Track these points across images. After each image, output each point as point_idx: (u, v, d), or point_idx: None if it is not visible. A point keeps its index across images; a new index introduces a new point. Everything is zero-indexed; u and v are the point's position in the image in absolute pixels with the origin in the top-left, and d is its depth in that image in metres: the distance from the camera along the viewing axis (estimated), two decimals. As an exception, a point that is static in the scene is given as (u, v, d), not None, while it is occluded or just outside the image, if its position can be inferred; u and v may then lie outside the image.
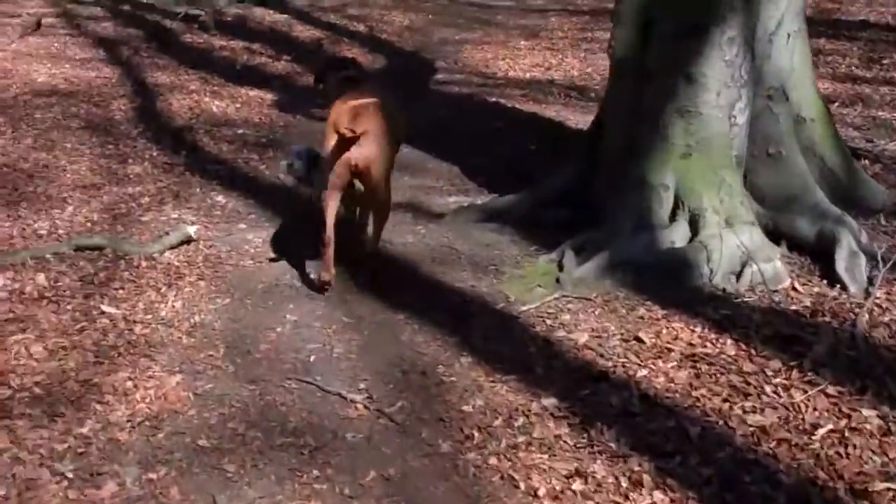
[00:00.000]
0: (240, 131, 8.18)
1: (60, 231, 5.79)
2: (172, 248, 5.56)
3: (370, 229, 5.37)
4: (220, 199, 6.50)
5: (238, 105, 9.03)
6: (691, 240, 5.04)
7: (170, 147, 7.56)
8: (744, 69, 5.13)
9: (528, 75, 10.58)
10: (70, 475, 3.50)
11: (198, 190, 6.67)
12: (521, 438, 3.67)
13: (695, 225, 5.05)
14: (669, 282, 4.84)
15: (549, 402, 3.90)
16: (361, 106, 4.80)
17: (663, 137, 5.15)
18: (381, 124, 4.82)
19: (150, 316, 4.75)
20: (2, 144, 7.35)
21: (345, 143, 4.68)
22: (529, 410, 3.86)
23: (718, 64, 5.07)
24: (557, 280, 4.98)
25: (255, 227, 6.00)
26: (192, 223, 5.84)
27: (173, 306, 4.86)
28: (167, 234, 5.62)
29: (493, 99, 9.34)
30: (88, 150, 7.39)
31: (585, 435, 3.65)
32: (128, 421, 3.87)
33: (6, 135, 7.60)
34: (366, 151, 4.73)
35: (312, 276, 5.18)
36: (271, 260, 5.46)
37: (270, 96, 9.40)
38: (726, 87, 5.09)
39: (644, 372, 4.04)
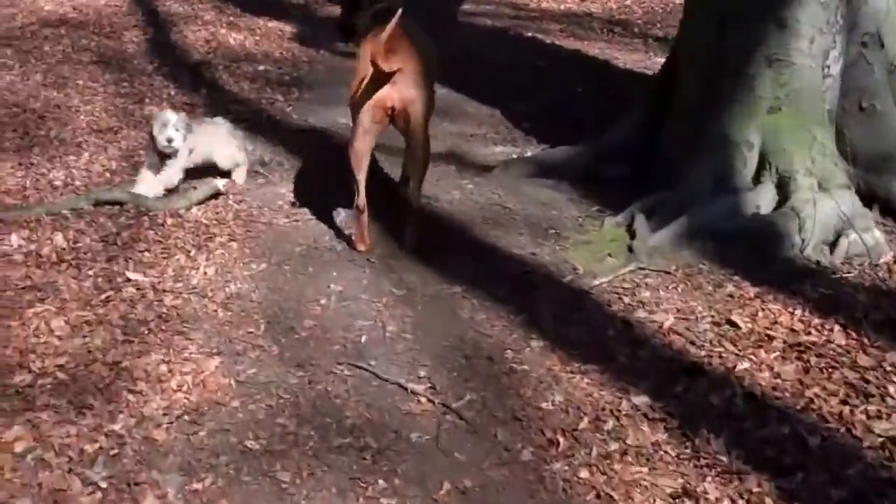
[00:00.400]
0: (261, 67, 7.63)
1: (77, 182, 5.29)
2: (199, 203, 5.07)
3: (411, 182, 4.86)
4: (246, 145, 5.95)
5: (257, 38, 8.44)
6: (779, 205, 4.54)
7: (188, 85, 7.02)
8: (839, 13, 4.59)
9: (562, 7, 9.98)
10: (104, 484, 3.08)
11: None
12: (613, 446, 3.23)
13: (783, 188, 4.55)
14: (756, 253, 4.37)
15: (641, 399, 3.45)
16: (397, 39, 4.14)
17: (749, 89, 4.63)
18: (420, 60, 4.26)
19: (180, 284, 4.29)
20: (10, 81, 6.81)
21: (379, 82, 4.15)
22: (619, 410, 3.41)
23: (813, 6, 4.54)
24: (630, 249, 4.50)
25: (286, 180, 5.51)
26: (221, 176, 5.33)
27: (205, 273, 4.39)
28: (194, 188, 5.11)
29: (529, 33, 8.75)
30: (102, 89, 6.84)
31: (688, 444, 3.21)
32: (164, 414, 3.43)
33: (14, 70, 7.06)
34: (405, 91, 4.22)
35: (352, 236, 4.72)
36: (307, 218, 4.96)
37: (290, 28, 8.80)
38: (820, 32, 4.56)
39: (745, 364, 3.59)
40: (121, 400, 3.48)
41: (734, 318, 3.89)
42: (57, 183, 5.28)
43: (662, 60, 7.68)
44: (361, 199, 4.46)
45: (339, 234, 4.81)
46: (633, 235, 4.61)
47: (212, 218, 4.96)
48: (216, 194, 5.16)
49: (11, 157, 5.52)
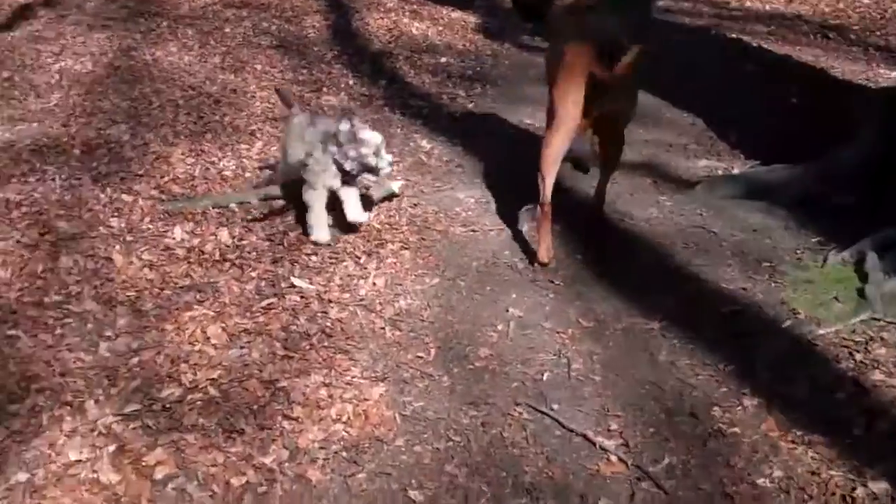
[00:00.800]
0: (443, 59, 7.24)
1: (247, 174, 5.00)
2: (373, 204, 4.67)
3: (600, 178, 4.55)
4: (425, 143, 5.59)
5: (440, 28, 8.07)
6: None
7: (368, 75, 6.70)
8: None
9: (768, 7, 9.16)
10: (250, 531, 2.68)
11: (398, 130, 5.79)
12: (849, 548, 2.61)
13: None
14: None
15: (880, 487, 2.84)
16: (610, 43, 3.82)
17: None
18: (635, 69, 3.86)
19: (347, 295, 3.91)
20: (188, 63, 6.66)
21: (593, 87, 3.86)
22: (853, 497, 2.78)
23: None
24: (861, 293, 3.83)
25: (466, 184, 5.07)
26: (395, 175, 4.93)
27: (374, 284, 4.00)
28: (368, 187, 4.73)
29: (733, 34, 8.02)
30: (280, 75, 6.61)
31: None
32: (321, 448, 3.05)
33: (193, 50, 6.91)
34: (616, 102, 4.01)
35: (534, 247, 4.29)
36: (487, 229, 4.51)
37: (474, 19, 8.40)
38: None
39: None
40: (275, 426, 3.12)
41: None
42: (227, 173, 5.02)
43: (886, 72, 6.93)
44: (547, 197, 4.13)
45: (522, 247, 4.34)
46: (864, 277, 3.94)
47: (384, 222, 4.58)
48: (391, 196, 4.77)
49: (183, 142, 5.30)
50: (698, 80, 6.68)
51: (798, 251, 4.32)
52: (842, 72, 6.89)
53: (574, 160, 4.97)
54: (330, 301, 3.85)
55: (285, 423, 3.13)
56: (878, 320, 3.65)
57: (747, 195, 4.85)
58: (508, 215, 4.64)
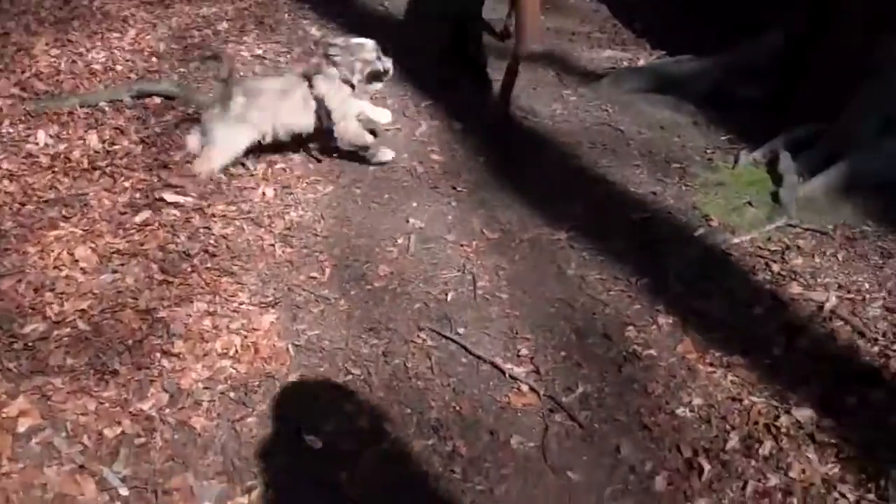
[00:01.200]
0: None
1: (118, 67, 4.52)
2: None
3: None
4: (314, 31, 5.16)
5: None
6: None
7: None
8: None
9: None
10: (124, 490, 2.45)
11: (286, 16, 5.34)
12: (773, 480, 2.50)
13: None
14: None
15: (804, 414, 2.72)
16: None
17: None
18: None
19: (233, 208, 3.55)
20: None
21: None
22: (777, 426, 2.68)
23: None
24: (775, 198, 3.68)
25: (361, 77, 4.66)
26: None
27: (263, 194, 3.66)
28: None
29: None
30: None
31: (871, 485, 2.46)
32: (205, 388, 2.78)
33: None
34: None
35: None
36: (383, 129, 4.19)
37: None
38: None
39: (936, 373, 2.80)
40: (153, 365, 2.82)
41: (915, 303, 3.08)
42: (96, 67, 4.53)
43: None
44: None
45: (421, 148, 4.03)
46: (777, 180, 3.79)
47: (274, 122, 4.18)
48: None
49: (48, 31, 4.76)
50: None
51: (708, 150, 4.13)
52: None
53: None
54: (213, 215, 3.51)
55: (165, 361, 2.83)
56: (794, 227, 3.51)
57: (655, 89, 4.63)
58: (410, 112, 4.31)
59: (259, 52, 4.84)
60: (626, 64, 4.95)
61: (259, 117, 3.70)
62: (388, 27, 5.13)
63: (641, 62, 4.96)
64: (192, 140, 3.81)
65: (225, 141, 3.70)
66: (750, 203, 3.67)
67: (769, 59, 4.45)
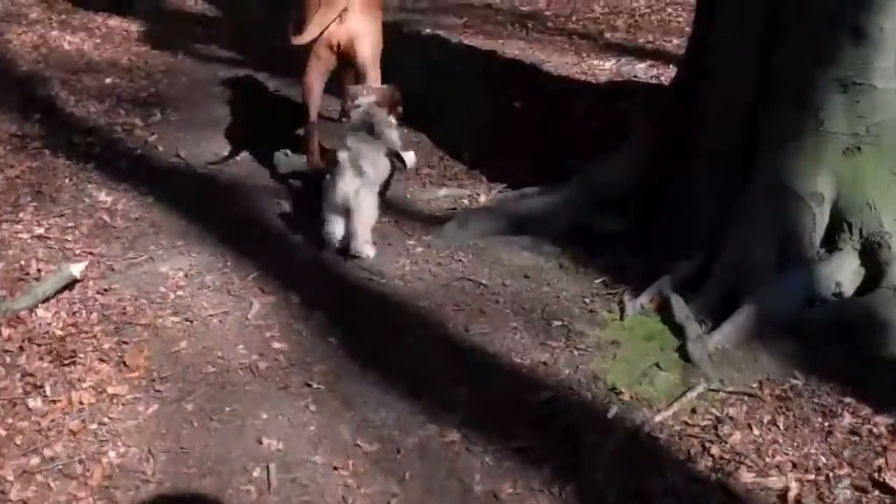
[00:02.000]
0: (108, 81, 5.96)
1: None
2: (47, 300, 3.45)
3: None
4: (103, 196, 4.42)
5: (97, 40, 6.74)
6: (868, 281, 3.32)
7: (17, 109, 5.27)
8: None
9: (451, -6, 8.56)
10: None
11: (67, 181, 4.56)
12: None
13: (871, 257, 3.38)
14: (858, 355, 3.13)
15: None
16: None
17: (814, 121, 3.39)
18: None
19: (35, 458, 2.68)
20: None
21: (326, 17, 4.15)
22: None
23: (901, 11, 3.30)
24: (683, 354, 3.19)
25: (167, 250, 3.98)
26: (73, 252, 3.72)
27: (70, 432, 2.81)
28: (36, 278, 3.49)
29: (427, 30, 7.31)
30: None
31: None
32: None
33: None
34: (351, 26, 4.23)
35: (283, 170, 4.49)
36: (208, 314, 3.46)
37: (136, 27, 7.11)
38: (912, 47, 3.34)
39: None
40: None
41: (885, 478, 2.61)
42: None
43: (599, 63, 6.50)
44: (312, 118, 4.41)
45: (260, 336, 3.31)
46: (677, 330, 3.33)
47: (69, 323, 3.41)
48: (72, 283, 3.55)
49: None
50: (407, 88, 5.82)
51: (586, 299, 3.64)
52: (556, 66, 6.39)
53: None
54: (6, 478, 2.62)
55: None
56: (716, 391, 3.01)
57: (507, 230, 4.13)
58: (235, 289, 3.59)
59: (40, 231, 4.02)
60: (466, 202, 4.44)
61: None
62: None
63: (483, 198, 4.44)
64: (338, 229, 3.87)
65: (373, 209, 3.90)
66: (658, 365, 3.18)
67: (627, 185, 4.04)
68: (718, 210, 3.66)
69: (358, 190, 3.79)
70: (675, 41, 6.95)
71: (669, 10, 7.84)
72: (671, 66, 6.23)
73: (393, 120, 4.22)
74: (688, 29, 7.21)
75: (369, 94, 4.19)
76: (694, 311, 3.41)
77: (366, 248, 3.84)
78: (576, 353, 3.29)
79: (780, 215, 3.48)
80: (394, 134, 4.16)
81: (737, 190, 3.62)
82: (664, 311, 3.46)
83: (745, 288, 3.39)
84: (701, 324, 3.34)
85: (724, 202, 3.65)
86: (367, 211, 3.83)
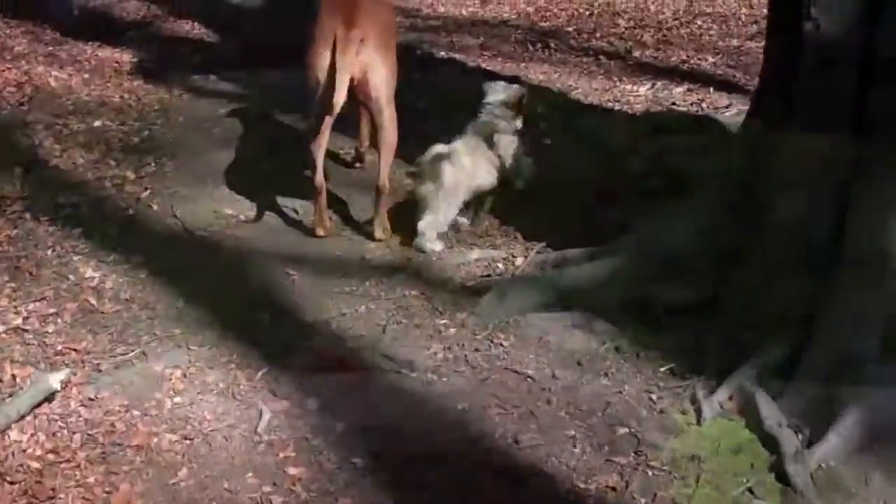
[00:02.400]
0: (97, 124, 5.46)
1: None
2: (22, 417, 2.93)
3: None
4: (90, 272, 3.90)
5: (86, 75, 6.24)
6: None
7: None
8: None
9: (465, 12, 8.10)
10: None
11: (49, 252, 4.04)
12: None
13: None
14: None
15: None
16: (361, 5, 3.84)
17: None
18: (384, 27, 3.99)
19: None
20: None
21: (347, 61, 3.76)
22: None
23: None
24: (780, 476, 2.67)
25: (162, 342, 3.43)
26: (54, 350, 3.21)
27: None
28: (11, 394, 2.98)
29: (442, 53, 6.81)
30: None
31: None
32: None
33: None
34: (366, 60, 3.84)
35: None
36: (210, 429, 2.96)
37: (128, 58, 6.58)
38: None
39: None
40: None
41: None
42: None
43: (632, 87, 5.98)
44: (319, 176, 4.03)
45: (276, 453, 2.80)
46: (766, 438, 2.77)
47: (47, 449, 2.87)
48: (50, 396, 3.04)
49: None
50: (424, 122, 5.27)
51: (652, 395, 3.11)
52: (584, 92, 5.86)
53: None
54: None
55: None
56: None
57: (551, 303, 3.58)
58: (241, 391, 3.08)
59: (17, 321, 3.50)
60: (501, 267, 3.92)
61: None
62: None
63: (520, 261, 3.92)
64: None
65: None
66: (751, 490, 2.63)
67: (694, 247, 3.51)
68: (806, 281, 3.11)
69: (434, 190, 3.89)
70: (711, 59, 6.45)
71: (699, 21, 7.35)
72: (711, 89, 5.73)
73: (519, 123, 4.21)
74: (721, 44, 6.76)
75: (501, 91, 4.19)
76: (785, 411, 2.86)
77: (428, 245, 3.94)
78: (650, 473, 2.76)
79: (881, 294, 2.93)
80: (510, 147, 4.18)
81: (827, 257, 3.07)
82: (749, 412, 2.91)
83: (846, 384, 2.83)
84: (797, 432, 2.79)
85: (812, 272, 3.10)
86: (438, 211, 3.94)
